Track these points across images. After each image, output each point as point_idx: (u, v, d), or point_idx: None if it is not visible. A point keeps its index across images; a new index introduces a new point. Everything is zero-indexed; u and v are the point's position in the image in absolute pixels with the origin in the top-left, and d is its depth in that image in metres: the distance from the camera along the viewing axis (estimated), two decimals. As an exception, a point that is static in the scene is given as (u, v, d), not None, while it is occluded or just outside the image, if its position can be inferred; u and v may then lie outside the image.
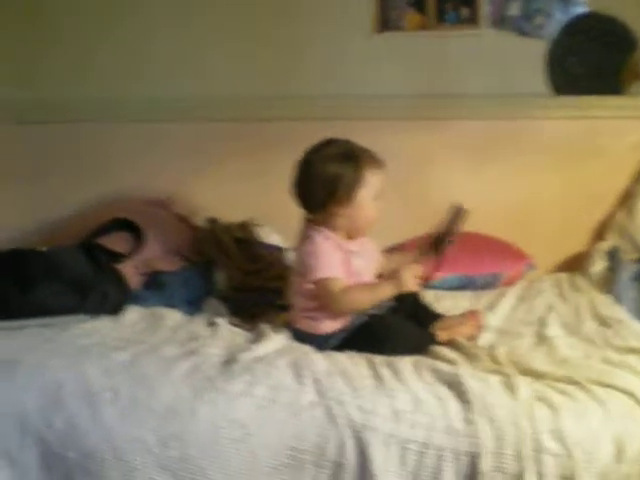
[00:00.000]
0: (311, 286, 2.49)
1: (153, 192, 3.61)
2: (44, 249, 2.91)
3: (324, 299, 2.49)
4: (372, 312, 2.54)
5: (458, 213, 2.61)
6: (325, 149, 2.53)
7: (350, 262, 2.53)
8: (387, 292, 2.52)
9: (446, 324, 2.62)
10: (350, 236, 2.57)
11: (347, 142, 2.55)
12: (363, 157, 2.51)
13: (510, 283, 3.30)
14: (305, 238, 2.55)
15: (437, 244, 2.62)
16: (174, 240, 3.31)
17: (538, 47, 3.54)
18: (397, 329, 2.51)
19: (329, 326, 2.52)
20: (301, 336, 2.53)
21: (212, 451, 1.98)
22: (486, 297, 3.12)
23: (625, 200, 3.53)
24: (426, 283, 2.64)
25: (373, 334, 2.46)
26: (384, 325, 2.51)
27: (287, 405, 2.04)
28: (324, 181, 2.48)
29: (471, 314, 2.68)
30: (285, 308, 2.79)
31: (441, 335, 2.54)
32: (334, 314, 2.51)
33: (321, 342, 2.49)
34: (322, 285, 2.47)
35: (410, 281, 2.49)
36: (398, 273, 2.49)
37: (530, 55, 3.54)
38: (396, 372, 2.17)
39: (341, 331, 2.51)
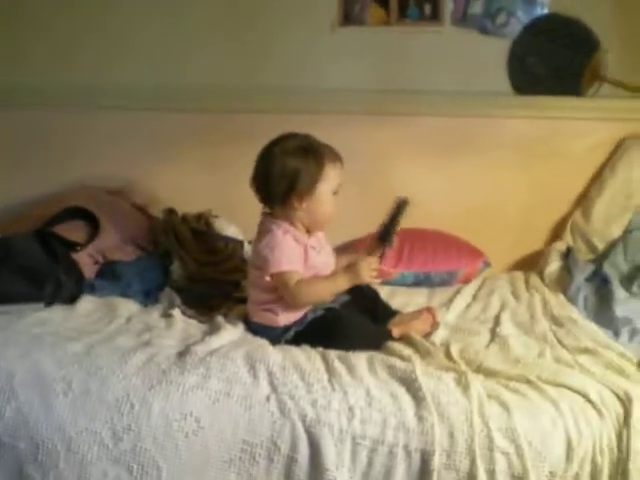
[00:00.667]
0: (269, 279, 2.48)
1: (114, 181, 3.59)
2: (-4, 235, 2.89)
3: (282, 292, 2.49)
4: (328, 306, 2.54)
5: (402, 205, 2.60)
6: (286, 142, 2.52)
7: (309, 256, 2.53)
8: (344, 284, 2.52)
9: (402, 320, 2.64)
10: (308, 231, 2.57)
11: (307, 136, 2.55)
12: (323, 151, 2.51)
13: (466, 280, 3.31)
14: (264, 232, 2.54)
15: (383, 237, 2.62)
16: (131, 230, 3.28)
17: (500, 46, 3.56)
18: (353, 324, 2.51)
19: (285, 319, 2.51)
20: (257, 329, 2.53)
21: (165, 444, 1.97)
22: (442, 294, 3.13)
23: (581, 201, 3.57)
24: (382, 277, 2.64)
25: (329, 328, 2.46)
26: (340, 320, 2.51)
27: (241, 399, 2.04)
28: (285, 174, 2.47)
29: (427, 310, 2.70)
30: (243, 300, 2.79)
31: (395, 331, 2.55)
32: (291, 307, 2.51)
33: (277, 335, 2.48)
34: (280, 278, 2.46)
35: (366, 273, 2.50)
36: (354, 265, 2.50)
37: (492, 53, 3.56)
38: (350, 368, 2.17)
39: (297, 324, 2.51)
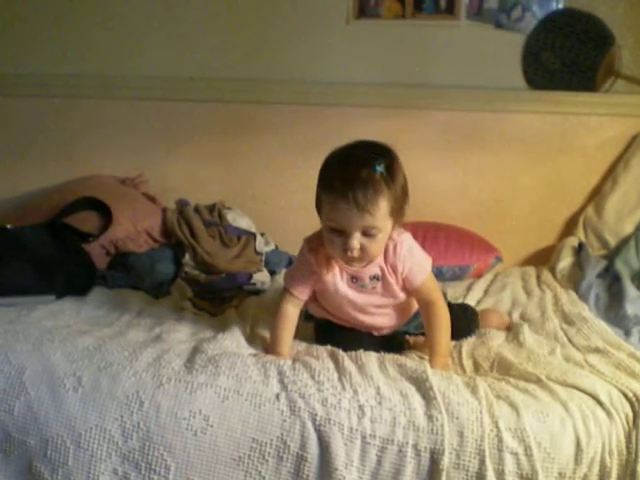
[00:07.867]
0: None
1: (125, 171, 3.59)
2: (8, 226, 2.89)
3: None
4: None
5: None
6: (335, 151, 2.22)
7: (324, 285, 2.31)
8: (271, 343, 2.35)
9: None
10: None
11: (350, 154, 2.18)
12: (334, 177, 2.14)
13: (478, 275, 3.32)
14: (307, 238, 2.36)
15: None
16: (143, 221, 3.29)
17: (515, 40, 3.55)
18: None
19: (312, 310, 2.45)
20: None
21: (174, 442, 1.97)
22: (454, 289, 3.12)
23: (594, 196, 3.56)
24: None
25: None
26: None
27: (250, 397, 2.02)
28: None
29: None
30: (254, 293, 2.78)
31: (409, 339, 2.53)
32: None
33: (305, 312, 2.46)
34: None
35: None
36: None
37: (507, 48, 3.55)
38: (360, 366, 2.16)
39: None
